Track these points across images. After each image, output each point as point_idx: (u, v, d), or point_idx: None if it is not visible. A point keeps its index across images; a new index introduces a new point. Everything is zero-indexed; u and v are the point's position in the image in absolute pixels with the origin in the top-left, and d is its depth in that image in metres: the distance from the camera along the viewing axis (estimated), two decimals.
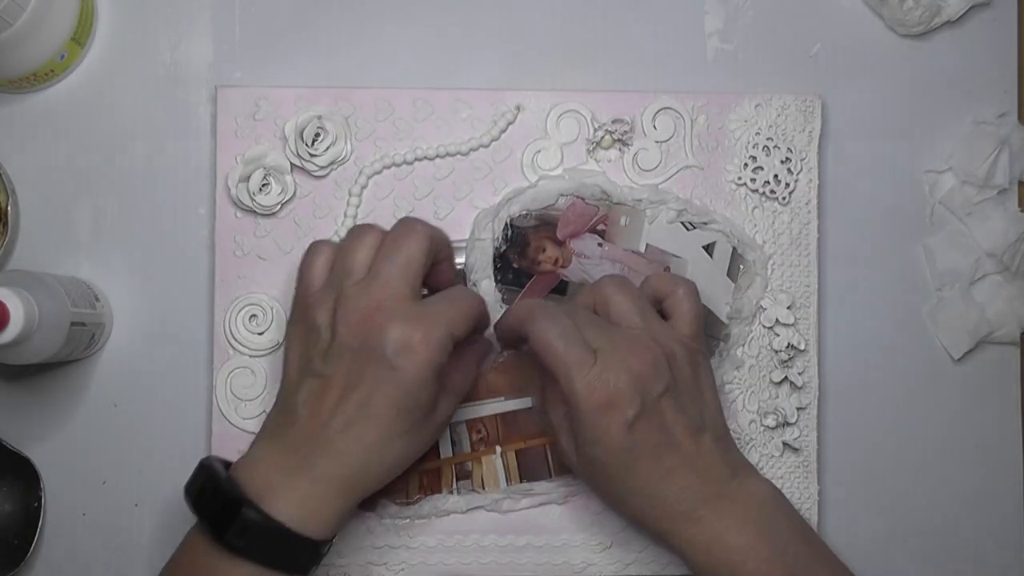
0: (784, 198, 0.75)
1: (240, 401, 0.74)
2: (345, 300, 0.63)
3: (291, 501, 0.61)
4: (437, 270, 0.67)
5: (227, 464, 0.64)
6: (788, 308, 0.75)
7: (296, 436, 0.62)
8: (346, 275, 0.64)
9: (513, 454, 0.75)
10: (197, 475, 0.64)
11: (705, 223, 0.75)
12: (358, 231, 0.66)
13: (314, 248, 0.67)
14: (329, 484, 0.62)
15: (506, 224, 0.75)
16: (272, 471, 0.62)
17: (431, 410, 0.64)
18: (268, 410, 0.68)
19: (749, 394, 0.75)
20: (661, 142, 0.76)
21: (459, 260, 0.74)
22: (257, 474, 0.62)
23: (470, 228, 0.75)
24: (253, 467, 0.63)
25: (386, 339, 0.61)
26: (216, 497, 0.62)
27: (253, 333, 0.74)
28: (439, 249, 0.66)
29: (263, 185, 0.74)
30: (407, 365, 0.61)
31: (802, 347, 0.75)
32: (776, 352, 0.75)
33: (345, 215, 0.75)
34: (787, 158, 0.75)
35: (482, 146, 0.75)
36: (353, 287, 0.63)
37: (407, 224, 0.65)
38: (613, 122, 0.75)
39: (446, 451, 0.74)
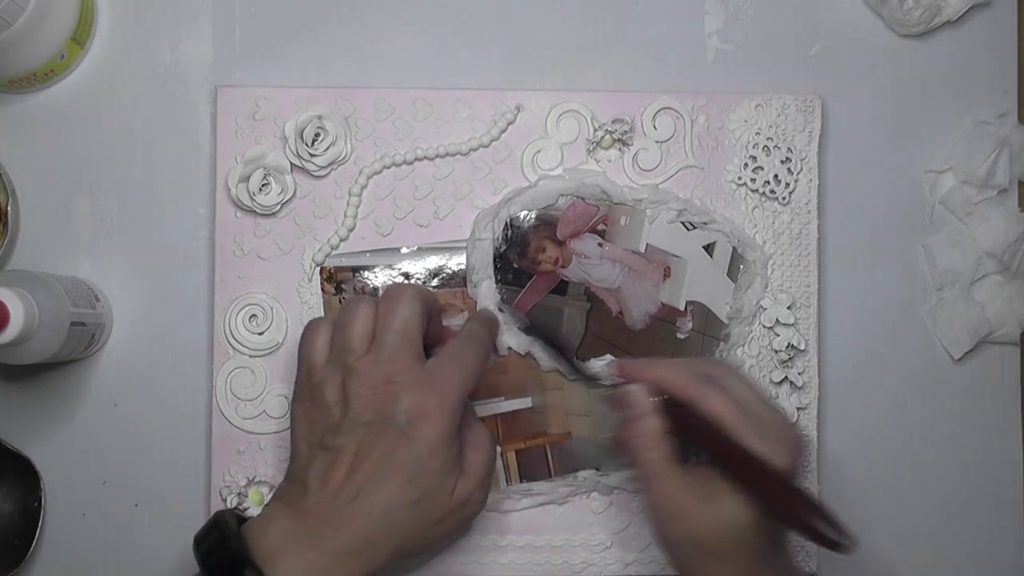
0: (784, 198, 0.75)
1: (240, 401, 0.74)
2: (354, 375, 0.63)
3: (296, 569, 0.60)
4: (429, 328, 0.66)
5: (241, 519, 0.64)
6: (788, 308, 0.75)
7: (306, 505, 0.61)
8: (348, 351, 0.63)
9: (513, 454, 0.75)
10: (208, 529, 0.63)
11: (705, 223, 0.75)
12: (351, 306, 0.65)
13: (312, 326, 0.67)
14: (335, 557, 0.60)
15: (506, 224, 0.75)
16: (281, 536, 0.61)
17: (443, 480, 0.62)
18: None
19: None
20: (661, 142, 0.76)
21: (459, 261, 0.75)
22: (267, 537, 0.61)
23: (470, 228, 0.75)
24: (264, 529, 0.61)
25: (399, 408, 0.61)
26: (223, 554, 0.60)
27: (253, 333, 0.74)
28: (430, 307, 0.66)
29: (263, 185, 0.74)
30: (422, 432, 0.61)
31: (802, 347, 0.75)
32: (776, 352, 0.75)
33: (345, 215, 0.75)
34: (787, 158, 0.75)
35: (482, 146, 0.75)
36: (359, 361, 0.63)
37: (397, 290, 0.65)
38: (613, 122, 0.75)
39: None
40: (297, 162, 0.74)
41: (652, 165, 0.75)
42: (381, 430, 0.61)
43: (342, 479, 0.61)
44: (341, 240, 0.75)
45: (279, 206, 0.74)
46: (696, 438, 0.63)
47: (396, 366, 0.62)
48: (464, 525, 0.66)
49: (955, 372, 0.77)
